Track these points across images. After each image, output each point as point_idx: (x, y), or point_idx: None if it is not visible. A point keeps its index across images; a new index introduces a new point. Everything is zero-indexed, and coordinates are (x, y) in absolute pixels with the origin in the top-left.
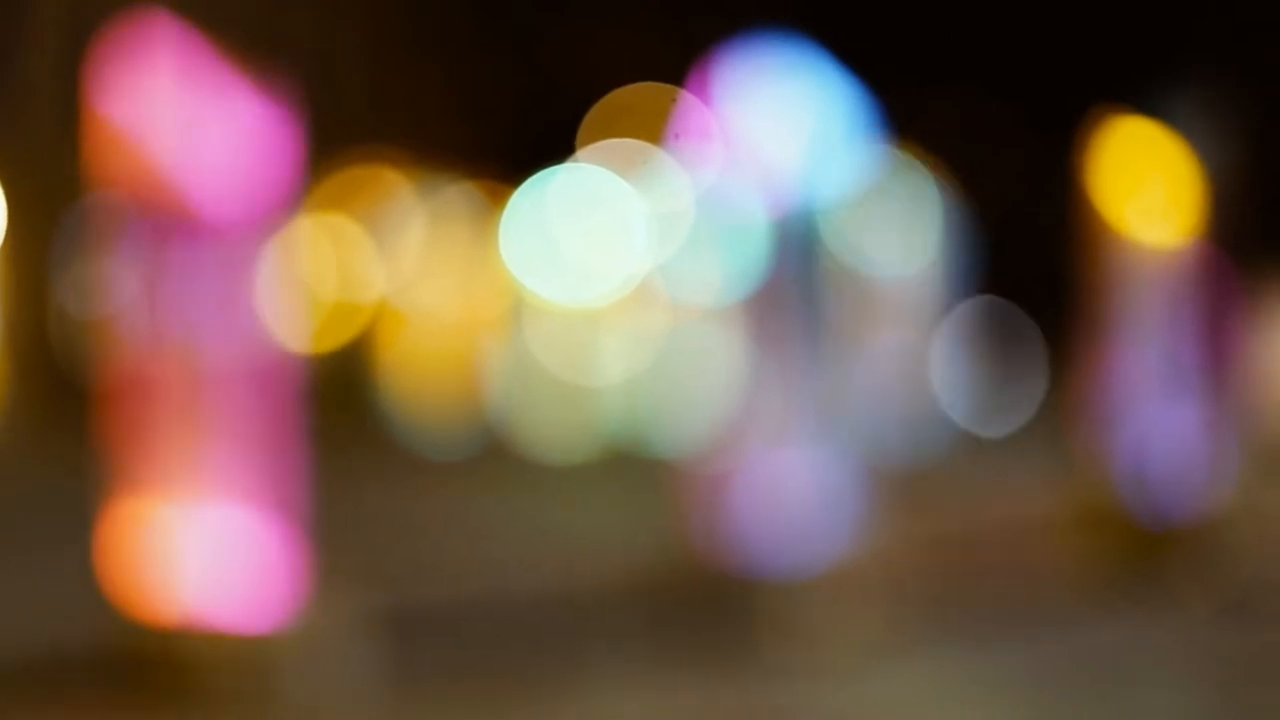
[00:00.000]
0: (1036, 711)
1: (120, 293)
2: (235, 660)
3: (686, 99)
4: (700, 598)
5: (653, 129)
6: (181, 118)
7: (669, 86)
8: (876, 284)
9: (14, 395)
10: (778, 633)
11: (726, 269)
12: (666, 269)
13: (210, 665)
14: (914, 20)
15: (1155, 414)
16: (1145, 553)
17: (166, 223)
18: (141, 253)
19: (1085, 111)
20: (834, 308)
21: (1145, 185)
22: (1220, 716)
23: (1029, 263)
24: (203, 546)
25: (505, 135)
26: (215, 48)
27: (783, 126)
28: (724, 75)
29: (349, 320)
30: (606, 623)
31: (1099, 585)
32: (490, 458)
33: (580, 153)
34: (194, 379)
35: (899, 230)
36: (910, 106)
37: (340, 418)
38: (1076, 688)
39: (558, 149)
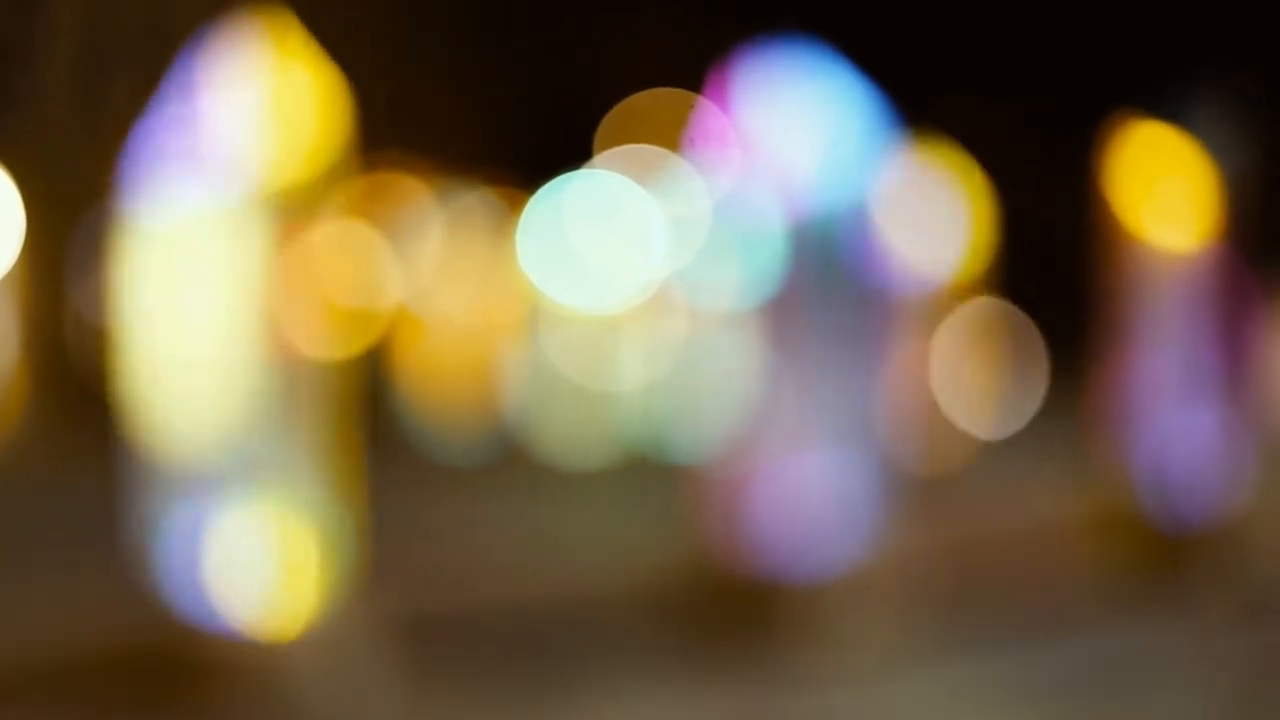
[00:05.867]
0: (1055, 716)
1: (141, 299)
2: (252, 664)
3: (704, 104)
4: (719, 603)
5: (670, 134)
6: (203, 122)
7: (686, 92)
8: (895, 288)
9: (31, 400)
10: (797, 638)
11: (744, 274)
12: (684, 274)
13: (227, 669)
14: (931, 24)
15: (1173, 417)
16: (1163, 556)
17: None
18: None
19: (1103, 116)
20: (852, 312)
21: (1163, 189)
22: (1239, 719)
23: (1047, 266)
24: (223, 550)
25: (522, 141)
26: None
27: (800, 131)
28: (741, 80)
29: (367, 327)
30: (624, 628)
31: (1117, 589)
32: (508, 463)
33: (597, 158)
34: (225, 378)
35: (917, 234)
36: (928, 111)
37: (360, 424)
38: (1095, 692)
39: (575, 155)
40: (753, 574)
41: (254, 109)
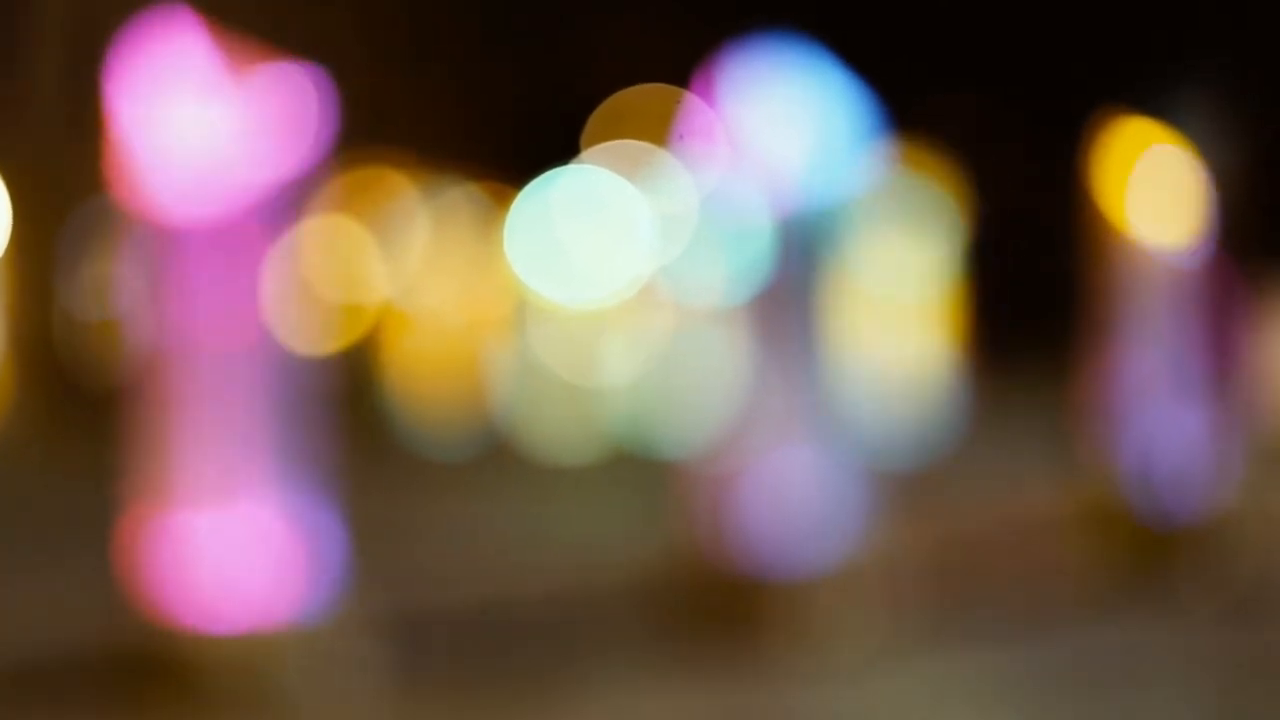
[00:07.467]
0: (1041, 712)
1: (128, 295)
2: (241, 663)
3: (691, 100)
4: (705, 599)
5: (657, 130)
6: (190, 117)
7: (674, 88)
8: (882, 285)
9: (19, 398)
10: (783, 634)
11: (731, 270)
12: (671, 270)
13: (216, 668)
14: (919, 22)
15: (1160, 415)
16: (1150, 553)
17: (175, 224)
18: (149, 254)
19: (1090, 113)
20: (838, 309)
21: (1150, 187)
22: (1224, 717)
23: (1034, 264)
24: (210, 548)
25: (509, 137)
26: (222, 50)
27: (787, 128)
28: (729, 76)
29: (353, 322)
30: (611, 624)
31: (1103, 586)
32: (495, 459)
33: (584, 154)
34: (202, 380)
35: (904, 231)
36: (914, 108)
37: (345, 420)
38: (1081, 688)
39: (562, 150)
40: (739, 570)
41: (232, 107)
